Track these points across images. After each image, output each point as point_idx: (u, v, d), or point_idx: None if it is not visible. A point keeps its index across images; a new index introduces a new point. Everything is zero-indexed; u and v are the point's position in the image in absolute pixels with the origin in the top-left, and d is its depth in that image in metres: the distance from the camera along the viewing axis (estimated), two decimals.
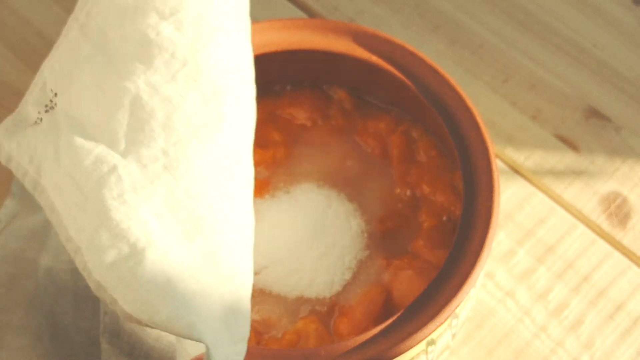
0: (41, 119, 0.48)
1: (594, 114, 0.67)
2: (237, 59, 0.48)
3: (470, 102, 0.55)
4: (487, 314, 0.60)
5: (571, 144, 0.66)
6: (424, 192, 0.57)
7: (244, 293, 0.44)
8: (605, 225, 0.63)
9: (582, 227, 0.63)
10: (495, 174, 0.53)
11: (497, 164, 0.53)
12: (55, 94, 0.48)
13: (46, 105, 0.48)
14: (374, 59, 0.57)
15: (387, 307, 0.53)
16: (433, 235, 0.55)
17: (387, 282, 0.54)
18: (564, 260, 0.61)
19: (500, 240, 0.62)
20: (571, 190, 0.64)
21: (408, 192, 0.57)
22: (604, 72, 0.69)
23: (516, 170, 0.65)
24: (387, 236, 0.56)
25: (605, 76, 0.69)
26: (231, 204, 0.45)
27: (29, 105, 0.49)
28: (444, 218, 0.56)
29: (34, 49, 0.71)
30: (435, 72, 0.56)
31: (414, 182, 0.57)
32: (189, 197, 0.44)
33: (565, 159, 0.65)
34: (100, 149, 0.45)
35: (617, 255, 0.62)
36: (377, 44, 0.58)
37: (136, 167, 0.44)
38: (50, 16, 0.73)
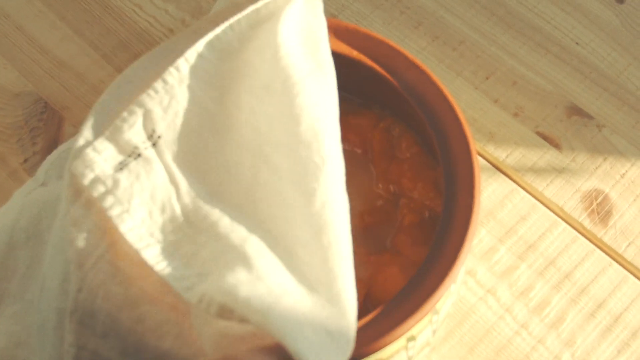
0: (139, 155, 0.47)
1: (576, 111, 0.67)
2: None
3: (452, 99, 0.55)
4: (468, 311, 0.59)
5: (553, 141, 0.66)
6: (405, 188, 0.57)
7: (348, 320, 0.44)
8: (586, 222, 0.63)
9: (563, 225, 0.63)
10: (477, 171, 0.52)
11: (479, 161, 0.53)
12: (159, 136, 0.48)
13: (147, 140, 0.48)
14: (354, 54, 0.57)
15: (367, 303, 0.53)
16: (414, 231, 0.55)
17: (367, 278, 0.53)
18: (545, 257, 0.61)
19: (481, 237, 0.62)
20: (552, 188, 0.64)
21: (389, 189, 0.57)
22: (586, 70, 0.69)
23: (497, 167, 0.65)
24: (367, 232, 0.56)
25: (587, 73, 0.69)
26: (338, 240, 0.46)
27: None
28: (425, 215, 0.56)
29: (14, 43, 0.71)
30: (416, 68, 0.56)
31: (395, 179, 0.57)
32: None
33: (547, 156, 0.65)
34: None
35: (598, 252, 0.62)
36: (359, 40, 0.58)
37: None
38: (31, 10, 0.73)
